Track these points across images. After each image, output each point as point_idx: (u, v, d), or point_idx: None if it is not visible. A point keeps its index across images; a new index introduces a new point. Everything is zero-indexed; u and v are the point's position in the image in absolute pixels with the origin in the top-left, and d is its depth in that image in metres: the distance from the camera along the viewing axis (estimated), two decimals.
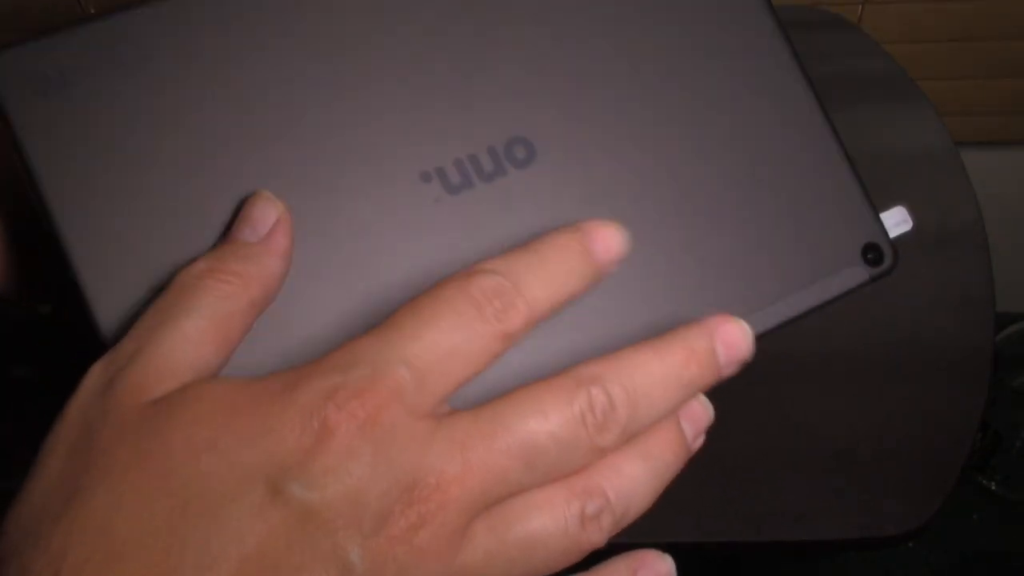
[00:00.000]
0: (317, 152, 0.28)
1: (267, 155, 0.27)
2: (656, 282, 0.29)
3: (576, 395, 0.23)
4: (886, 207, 0.58)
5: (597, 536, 0.24)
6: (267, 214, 0.27)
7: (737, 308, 0.27)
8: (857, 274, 0.30)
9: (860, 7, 0.89)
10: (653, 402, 0.24)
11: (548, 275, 0.25)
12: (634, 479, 0.24)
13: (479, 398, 0.24)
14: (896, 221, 0.32)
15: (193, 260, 0.26)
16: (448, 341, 0.23)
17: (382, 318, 0.24)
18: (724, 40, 0.31)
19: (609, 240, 0.26)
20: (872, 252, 0.30)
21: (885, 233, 0.31)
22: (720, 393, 0.58)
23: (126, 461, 0.22)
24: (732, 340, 0.25)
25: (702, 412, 0.26)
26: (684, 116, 0.30)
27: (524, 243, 0.26)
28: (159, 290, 0.26)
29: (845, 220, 0.31)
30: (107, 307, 0.26)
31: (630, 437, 0.24)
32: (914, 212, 0.62)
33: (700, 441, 0.26)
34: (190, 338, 0.24)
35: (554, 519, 0.23)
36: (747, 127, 0.31)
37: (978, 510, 1.21)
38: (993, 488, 1.22)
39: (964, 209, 0.61)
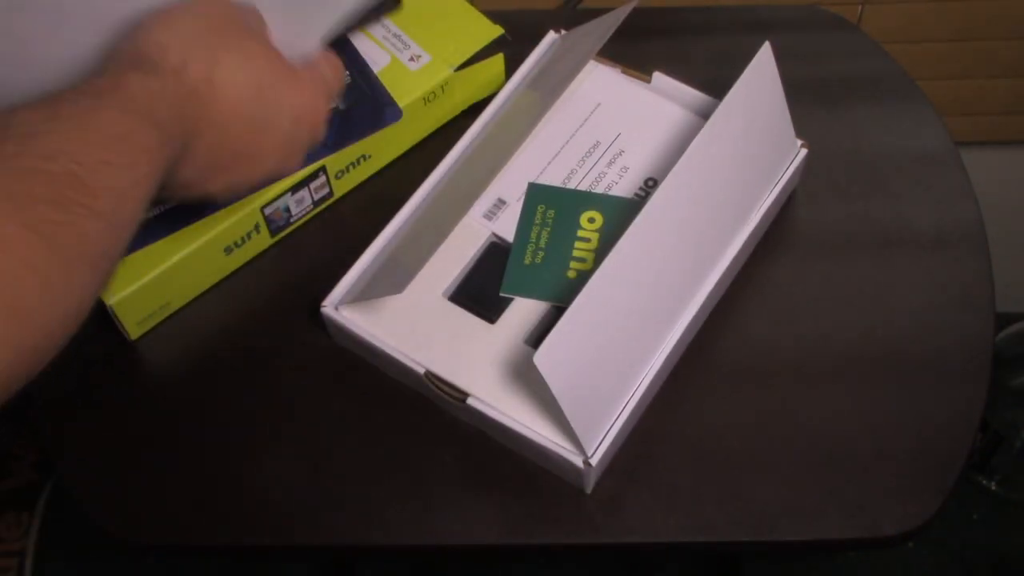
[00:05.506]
0: None
1: None
2: None
3: None
4: (886, 205, 0.58)
5: None
6: None
7: None
8: None
9: (860, 7, 0.89)
10: None
11: None
12: None
13: None
14: None
15: None
16: None
17: None
18: None
19: None
20: None
21: None
22: (721, 393, 0.58)
23: None
24: None
25: None
26: None
27: None
28: None
29: None
30: None
31: None
32: (914, 212, 0.62)
33: None
34: None
35: None
36: None
37: (978, 510, 1.21)
38: (993, 488, 1.22)
39: (964, 209, 0.61)
